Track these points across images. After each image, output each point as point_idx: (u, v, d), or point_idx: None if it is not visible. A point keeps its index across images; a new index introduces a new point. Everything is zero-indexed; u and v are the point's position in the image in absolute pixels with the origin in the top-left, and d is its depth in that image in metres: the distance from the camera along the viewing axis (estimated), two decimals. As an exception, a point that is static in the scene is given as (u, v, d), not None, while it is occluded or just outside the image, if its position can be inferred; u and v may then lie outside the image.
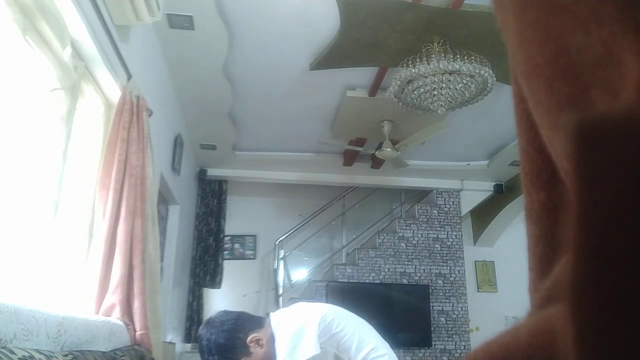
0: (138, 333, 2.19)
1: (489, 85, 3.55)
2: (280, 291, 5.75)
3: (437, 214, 6.25)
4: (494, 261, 6.74)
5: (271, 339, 1.64)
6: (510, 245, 6.47)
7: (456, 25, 3.35)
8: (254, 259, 6.55)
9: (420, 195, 6.61)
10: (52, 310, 1.46)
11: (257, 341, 1.60)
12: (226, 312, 1.69)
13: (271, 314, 1.74)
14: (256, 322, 1.67)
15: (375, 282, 5.81)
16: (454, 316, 5.88)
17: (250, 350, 1.58)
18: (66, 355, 1.34)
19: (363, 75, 4.10)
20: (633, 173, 0.16)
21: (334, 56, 3.70)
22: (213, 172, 6.00)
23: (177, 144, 4.34)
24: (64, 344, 1.49)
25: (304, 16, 3.31)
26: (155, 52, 3.44)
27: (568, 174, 0.21)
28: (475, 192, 6.37)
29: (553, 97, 0.23)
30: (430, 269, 5.98)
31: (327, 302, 5.61)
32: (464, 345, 5.77)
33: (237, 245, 6.55)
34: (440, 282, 5.96)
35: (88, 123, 2.39)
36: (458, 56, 3.40)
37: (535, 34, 0.24)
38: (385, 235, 6.08)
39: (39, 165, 1.88)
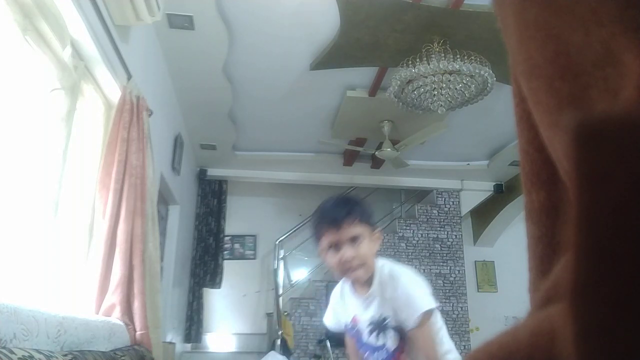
0: (138, 333, 2.19)
1: (489, 85, 3.55)
2: (280, 291, 5.75)
3: (437, 214, 6.25)
4: (494, 261, 6.74)
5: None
6: (510, 245, 6.47)
7: (456, 25, 3.35)
8: (254, 259, 6.56)
9: (420, 195, 6.61)
10: (52, 310, 1.46)
11: (379, 237, 1.54)
12: None
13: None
14: None
15: (375, 282, 5.80)
16: (454, 316, 5.88)
17: (374, 236, 1.51)
18: (66, 355, 1.34)
19: (363, 75, 4.10)
20: (633, 173, 0.16)
21: (334, 56, 3.71)
22: (213, 172, 6.00)
23: (177, 144, 4.34)
24: (64, 344, 1.49)
25: (304, 16, 3.31)
26: (155, 52, 3.44)
27: (568, 174, 0.21)
28: (475, 192, 6.38)
29: (553, 97, 0.23)
30: (430, 269, 5.98)
31: (327, 302, 5.61)
32: (464, 345, 5.77)
33: (237, 245, 6.55)
34: (440, 282, 5.96)
35: (88, 123, 2.39)
36: (458, 56, 3.40)
37: (535, 33, 0.24)
38: (385, 235, 6.08)
39: (39, 165, 1.88)
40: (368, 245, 1.47)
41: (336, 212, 1.47)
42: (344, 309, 1.62)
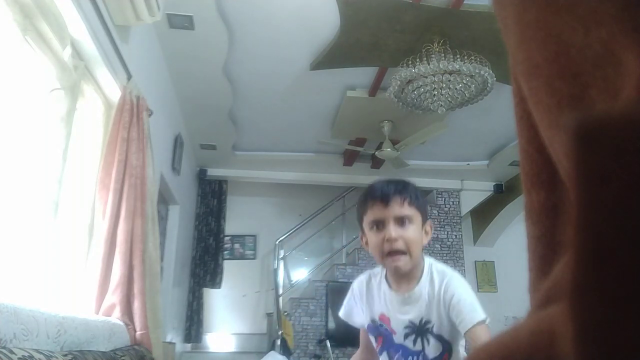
0: (138, 333, 2.19)
1: (489, 85, 3.55)
2: (280, 291, 5.75)
3: (437, 214, 6.25)
4: (494, 261, 6.74)
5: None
6: (510, 245, 6.47)
7: (456, 25, 3.35)
8: (254, 259, 6.56)
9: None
10: (52, 310, 1.46)
11: (430, 230, 1.41)
12: None
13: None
14: None
15: (375, 282, 5.80)
16: (454, 316, 5.87)
17: (425, 227, 1.37)
18: (66, 355, 1.34)
19: (363, 75, 4.10)
20: (633, 173, 0.16)
21: (334, 56, 3.71)
22: (213, 172, 6.00)
23: (177, 144, 4.34)
24: (64, 344, 1.49)
25: (304, 16, 3.31)
26: (155, 52, 3.44)
27: (568, 174, 0.21)
28: (475, 192, 6.37)
29: (553, 97, 0.23)
30: (430, 269, 5.98)
31: (327, 302, 5.62)
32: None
33: (237, 245, 6.55)
34: (440, 282, 5.95)
35: (88, 123, 2.39)
36: (458, 56, 3.40)
37: (535, 33, 0.24)
38: (385, 235, 6.07)
39: (39, 165, 1.88)
40: (417, 232, 1.32)
41: (387, 188, 1.33)
42: (369, 303, 1.44)
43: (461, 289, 1.32)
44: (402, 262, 1.31)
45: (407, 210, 1.31)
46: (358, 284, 1.50)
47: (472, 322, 1.26)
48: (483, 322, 1.26)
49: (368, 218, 1.34)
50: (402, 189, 1.34)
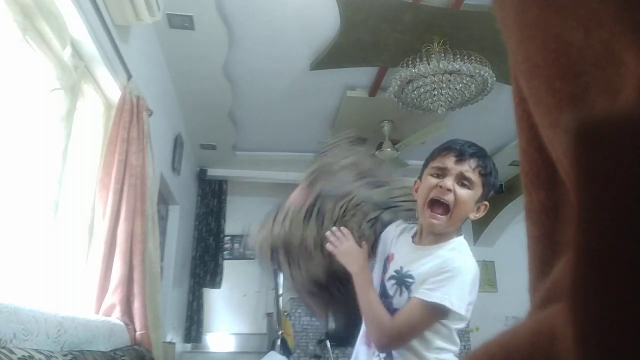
0: (138, 333, 2.19)
1: (489, 85, 3.55)
2: (281, 291, 5.75)
3: (437, 214, 6.25)
4: (494, 261, 6.74)
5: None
6: (510, 245, 6.47)
7: (456, 25, 3.35)
8: (254, 259, 6.55)
9: (420, 195, 6.61)
10: (52, 310, 1.46)
11: (483, 210, 1.38)
12: None
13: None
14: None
15: (375, 282, 5.80)
16: (454, 316, 5.86)
17: (480, 204, 1.36)
18: (66, 355, 1.34)
19: (363, 75, 4.10)
20: (633, 173, 0.16)
21: (334, 56, 3.70)
22: (213, 172, 5.99)
23: (177, 144, 4.34)
24: (64, 344, 1.49)
25: (304, 16, 3.31)
26: (155, 52, 3.44)
27: (568, 174, 0.21)
28: (475, 192, 6.37)
29: (553, 97, 0.23)
30: (430, 269, 5.98)
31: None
32: (464, 345, 5.77)
33: (237, 245, 6.55)
34: (440, 282, 5.95)
35: (88, 123, 2.39)
36: (458, 56, 3.40)
37: (535, 33, 0.24)
38: (385, 235, 6.07)
39: (39, 165, 1.88)
40: (471, 199, 1.29)
41: (468, 148, 1.31)
42: (389, 242, 1.44)
43: (461, 275, 1.23)
44: (439, 222, 1.29)
45: (473, 176, 1.29)
46: (395, 225, 1.48)
47: (425, 295, 1.20)
48: (430, 305, 1.19)
49: (434, 163, 1.33)
50: (482, 156, 1.32)
